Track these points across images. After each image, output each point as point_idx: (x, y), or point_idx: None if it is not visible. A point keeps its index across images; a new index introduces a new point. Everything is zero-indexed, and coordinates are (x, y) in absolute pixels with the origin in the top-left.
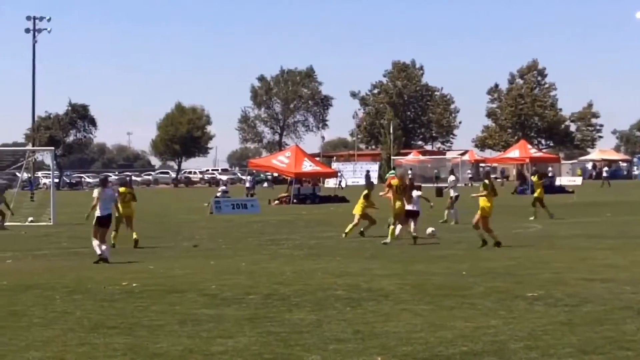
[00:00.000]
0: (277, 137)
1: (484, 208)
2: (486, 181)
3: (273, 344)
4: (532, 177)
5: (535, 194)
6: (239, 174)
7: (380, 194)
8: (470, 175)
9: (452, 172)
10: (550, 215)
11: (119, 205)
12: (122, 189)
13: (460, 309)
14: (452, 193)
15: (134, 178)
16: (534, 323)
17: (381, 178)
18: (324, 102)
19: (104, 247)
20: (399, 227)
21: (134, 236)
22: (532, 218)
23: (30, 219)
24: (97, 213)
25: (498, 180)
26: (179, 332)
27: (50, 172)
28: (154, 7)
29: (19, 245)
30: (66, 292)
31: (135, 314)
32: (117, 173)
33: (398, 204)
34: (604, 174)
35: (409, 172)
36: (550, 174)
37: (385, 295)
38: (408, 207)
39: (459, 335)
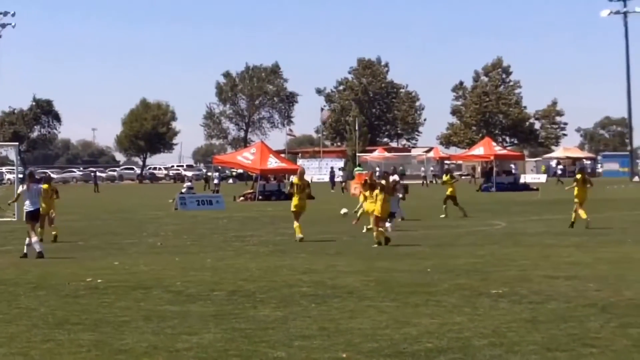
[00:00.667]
0: (242, 134)
1: (381, 209)
2: (383, 182)
3: (238, 341)
4: (444, 176)
5: (447, 192)
6: (204, 170)
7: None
8: (434, 172)
9: (394, 172)
10: (464, 213)
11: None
12: (44, 186)
13: (425, 306)
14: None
15: (98, 174)
16: (499, 320)
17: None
18: (290, 99)
19: (34, 239)
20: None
21: (53, 232)
22: (442, 216)
23: None
24: (26, 208)
25: (463, 177)
26: (143, 329)
27: (15, 168)
28: (118, 3)
29: None
30: (30, 288)
31: (100, 310)
32: (81, 169)
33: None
34: (558, 172)
35: (377, 169)
36: (513, 172)
37: (350, 292)
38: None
39: (424, 332)
